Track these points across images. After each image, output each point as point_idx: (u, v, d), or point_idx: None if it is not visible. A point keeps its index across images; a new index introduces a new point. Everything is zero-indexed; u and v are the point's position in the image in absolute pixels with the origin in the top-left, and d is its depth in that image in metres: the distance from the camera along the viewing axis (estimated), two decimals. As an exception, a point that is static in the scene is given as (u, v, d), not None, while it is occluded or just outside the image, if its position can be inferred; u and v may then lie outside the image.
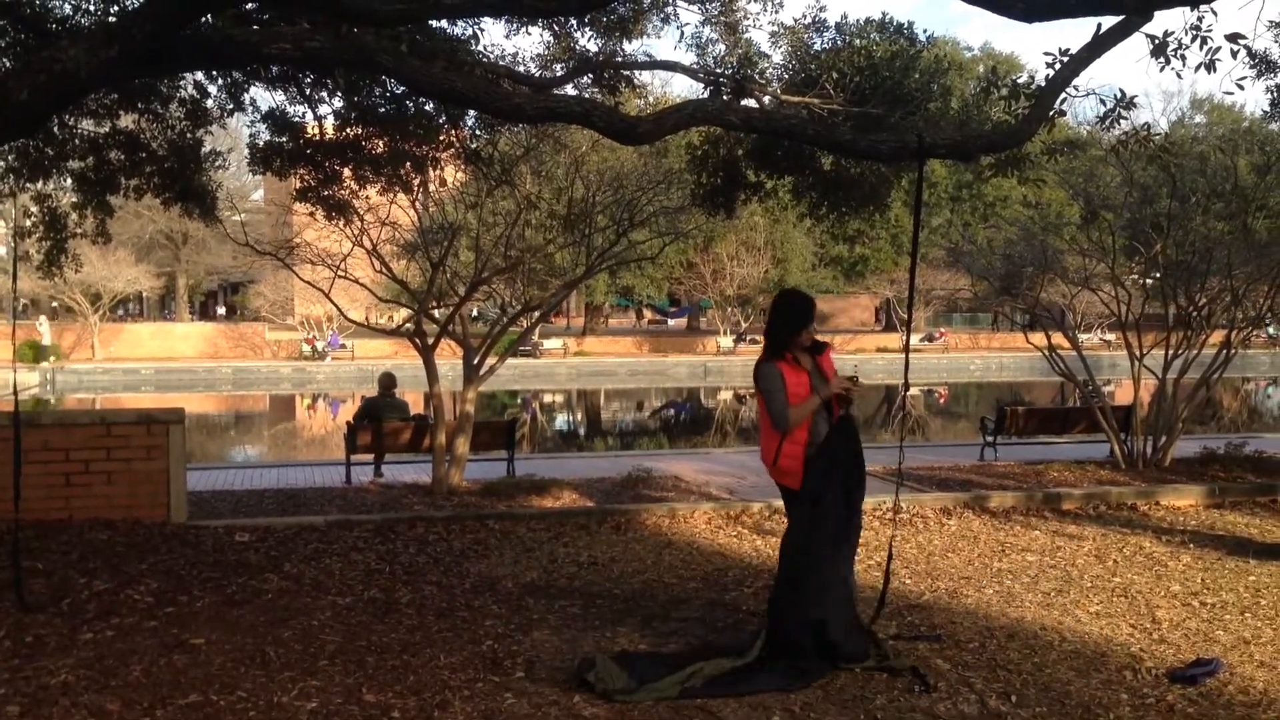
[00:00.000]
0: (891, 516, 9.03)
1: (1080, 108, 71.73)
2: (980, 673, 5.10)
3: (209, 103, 10.77)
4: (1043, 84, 7.51)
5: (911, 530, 8.71)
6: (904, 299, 53.00)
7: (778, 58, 10.71)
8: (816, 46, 10.31)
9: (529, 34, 11.11)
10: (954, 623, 5.96)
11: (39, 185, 10.85)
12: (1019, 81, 7.80)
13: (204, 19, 6.32)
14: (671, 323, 65.02)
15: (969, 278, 18.12)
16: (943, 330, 56.66)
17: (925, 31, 10.15)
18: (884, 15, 10.18)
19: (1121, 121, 8.19)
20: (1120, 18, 6.67)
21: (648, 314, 70.18)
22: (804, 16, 10.33)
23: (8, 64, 9.26)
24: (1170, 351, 12.46)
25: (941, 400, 37.70)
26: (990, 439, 13.66)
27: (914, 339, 51.81)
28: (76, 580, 6.10)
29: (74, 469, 7.71)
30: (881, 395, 38.45)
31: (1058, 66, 7.14)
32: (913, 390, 39.41)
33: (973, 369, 48.53)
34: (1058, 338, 13.28)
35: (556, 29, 10.69)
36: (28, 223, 10.94)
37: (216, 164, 11.44)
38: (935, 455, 13.79)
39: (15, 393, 6.24)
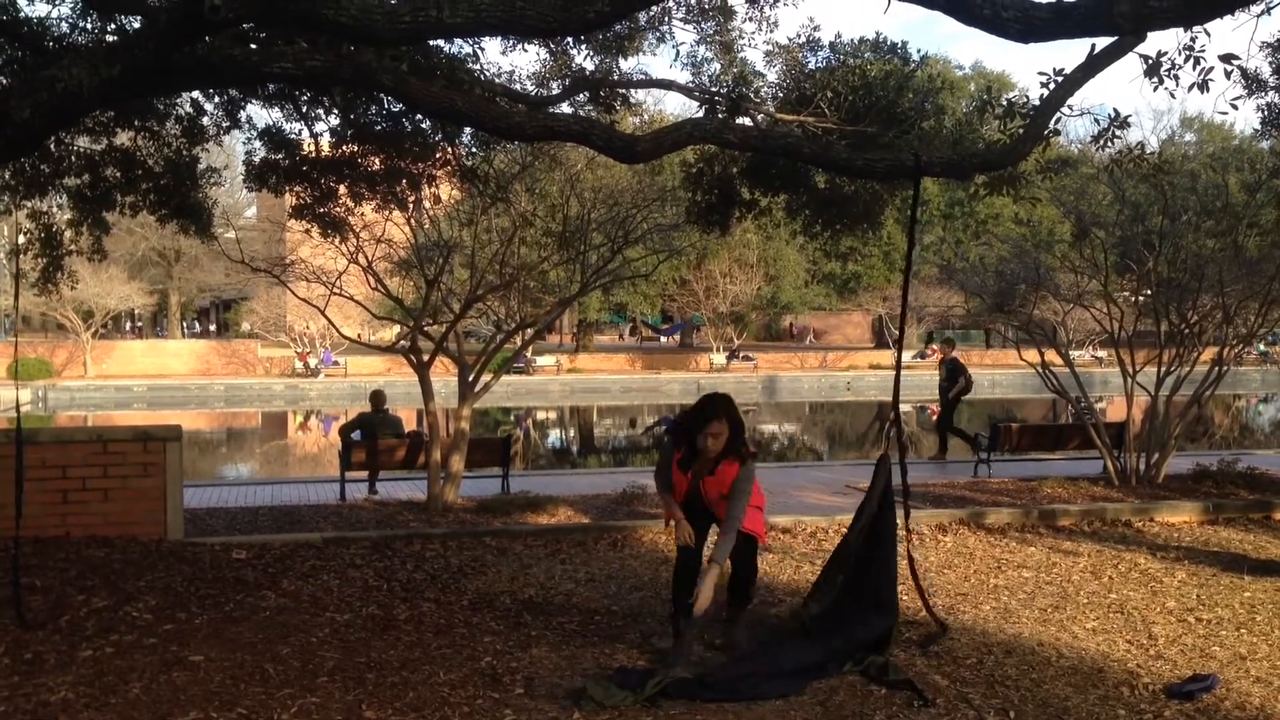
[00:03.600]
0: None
1: (1072, 126, 72.10)
2: (978, 689, 5.12)
3: (205, 120, 10.80)
4: (1037, 103, 7.57)
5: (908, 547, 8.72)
6: (895, 316, 53.18)
7: (772, 76, 10.78)
8: (811, 65, 10.38)
9: (525, 51, 11.20)
10: (951, 639, 5.98)
11: (35, 202, 10.86)
12: (1014, 101, 7.85)
13: (204, 38, 6.34)
14: (664, 339, 65.00)
15: (961, 295, 18.18)
16: (934, 347, 56.72)
17: (918, 51, 10.24)
18: (877, 35, 10.27)
19: (1115, 140, 8.25)
20: (1114, 38, 6.73)
21: (644, 330, 70.23)
22: (799, 36, 10.41)
23: (5, 82, 9.28)
24: (1163, 368, 12.51)
25: (933, 417, 37.71)
26: (984, 456, 13.69)
27: (906, 356, 51.97)
28: (75, 597, 6.09)
29: (71, 486, 7.71)
30: (874, 412, 38.49)
31: (1052, 86, 7.20)
32: (904, 407, 39.50)
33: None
34: (1050, 354, 13.33)
35: (553, 47, 10.76)
36: (22, 239, 10.94)
37: (212, 181, 11.47)
38: (929, 472, 13.82)
39: (18, 409, 6.24)
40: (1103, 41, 6.84)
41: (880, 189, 10.25)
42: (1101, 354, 45.39)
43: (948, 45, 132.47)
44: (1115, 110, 8.02)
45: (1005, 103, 8.07)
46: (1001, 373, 48.58)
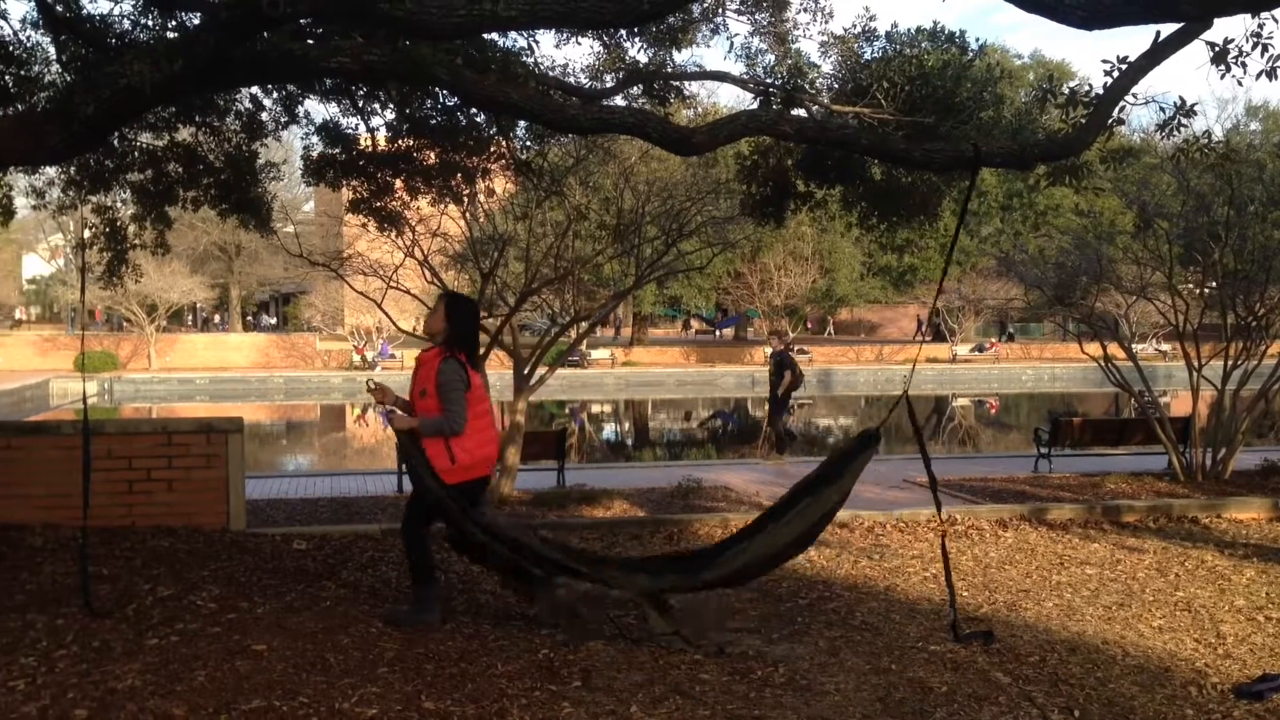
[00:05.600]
0: (941, 527, 8.99)
1: (1136, 115, 70.78)
2: (1042, 687, 5.04)
3: (264, 115, 10.93)
4: (1100, 92, 7.44)
5: (967, 542, 8.63)
6: (953, 309, 52.68)
7: (827, 67, 10.68)
8: (867, 56, 10.27)
9: (579, 44, 11.16)
10: (1013, 636, 5.90)
11: (100, 197, 11.05)
12: (1076, 90, 7.71)
13: (263, 33, 6.41)
14: (718, 333, 64.88)
15: (1020, 287, 17.92)
16: (993, 340, 56.15)
17: (977, 40, 10.06)
18: (935, 24, 10.10)
19: (1180, 129, 8.08)
20: (1180, 25, 6.59)
21: (695, 324, 70.12)
22: (854, 26, 10.30)
23: (70, 79, 9.45)
24: (1229, 362, 12.26)
25: (993, 411, 37.30)
26: (1044, 451, 13.51)
27: (963, 350, 51.45)
28: (141, 586, 6.19)
29: (137, 476, 7.84)
30: (931, 406, 38.13)
31: (1115, 75, 7.07)
32: (963, 401, 39.10)
33: (1024, 379, 47.99)
34: (1113, 348, 13.11)
35: (607, 39, 10.74)
36: (88, 234, 11.15)
37: (271, 175, 11.60)
38: (988, 467, 13.67)
39: (84, 401, 6.35)
40: (1168, 28, 6.70)
41: (938, 180, 10.13)
42: (1166, 347, 44.60)
43: (1006, 34, 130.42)
44: (1180, 98, 7.86)
45: (1067, 91, 7.94)
46: (1062, 366, 47.93)
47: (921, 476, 12.56)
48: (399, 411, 5.76)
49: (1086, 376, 40.31)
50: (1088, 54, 66.44)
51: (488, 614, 6.10)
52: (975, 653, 5.55)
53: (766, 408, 16.96)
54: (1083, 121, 7.35)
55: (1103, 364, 13.00)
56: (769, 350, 17.03)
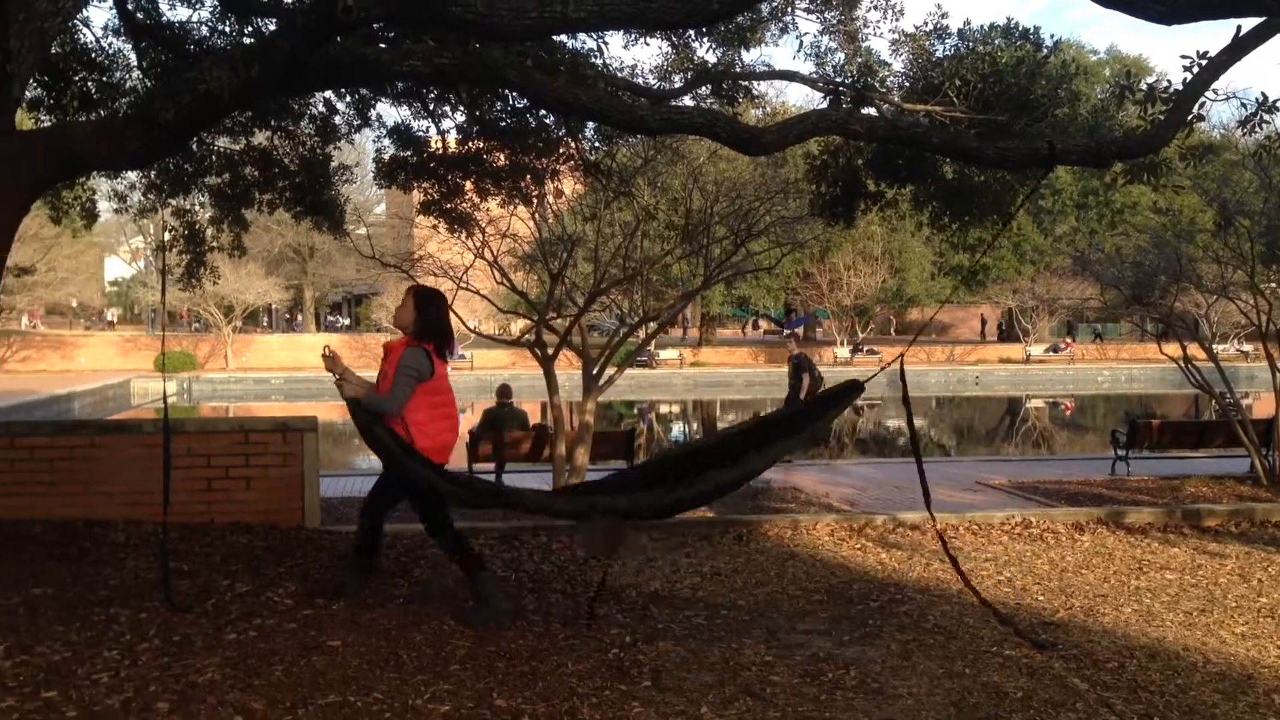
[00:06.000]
0: (1018, 531, 8.87)
1: (1216, 111, 69.19)
2: (1120, 693, 4.95)
3: (337, 119, 11.11)
4: (1179, 88, 7.28)
5: (1043, 546, 8.50)
6: (1026, 309, 51.85)
7: (898, 66, 10.60)
8: (939, 53, 10.17)
9: (647, 45, 11.19)
10: (1091, 641, 5.79)
11: (179, 200, 11.31)
12: (1155, 86, 7.56)
13: (336, 38, 6.51)
14: (787, 333, 64.51)
15: (1096, 287, 17.59)
16: (1068, 341, 55.20)
17: (1051, 36, 9.90)
18: (1009, 20, 9.96)
19: (1263, 125, 7.88)
20: (1262, 19, 6.43)
21: (764, 324, 69.81)
22: (925, 24, 10.21)
23: (150, 85, 9.68)
24: (1315, 363, 11.94)
25: (1068, 413, 36.65)
26: (1122, 453, 13.25)
27: (1038, 350, 50.63)
28: (220, 582, 6.31)
29: (215, 474, 7.99)
30: (1004, 407, 37.59)
31: (1195, 70, 6.92)
32: (1037, 402, 38.49)
33: (1100, 380, 47.10)
34: (1193, 349, 12.83)
35: (675, 40, 10.75)
36: (167, 236, 11.42)
37: (344, 178, 11.79)
38: (1064, 469, 13.46)
39: (165, 400, 6.49)
40: (1249, 22, 6.54)
41: (1012, 179, 10.00)
42: (1248, 348, 43.54)
43: (1081, 30, 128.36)
44: (1263, 94, 7.66)
45: (1145, 88, 7.79)
46: (1140, 367, 46.95)
47: (996, 479, 12.45)
48: (350, 382, 5.85)
49: (1165, 378, 39.44)
50: (1166, 49, 65.01)
51: (558, 613, 6.13)
52: (1052, 658, 5.46)
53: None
54: (1161, 118, 7.21)
55: (1182, 365, 12.73)
56: (790, 353, 16.83)
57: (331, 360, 5.92)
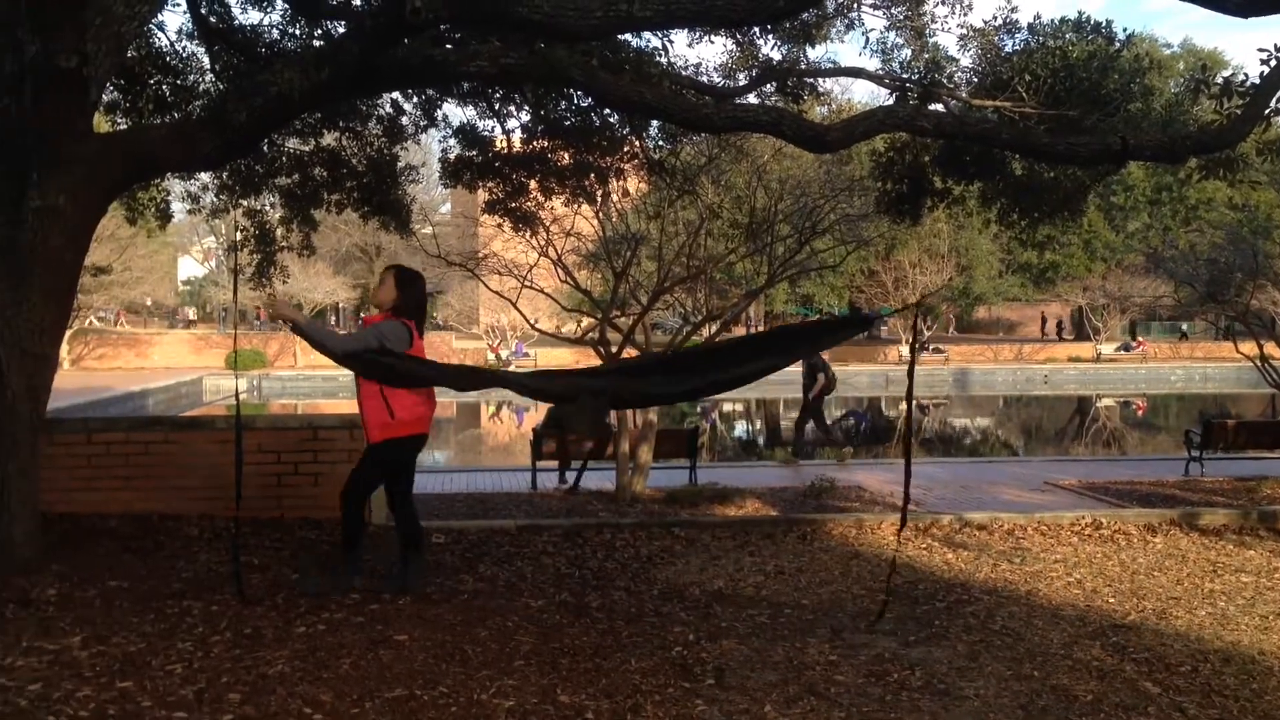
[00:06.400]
0: (1088, 532, 8.74)
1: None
2: (1193, 698, 4.85)
3: (404, 119, 11.23)
4: (1256, 82, 7.13)
5: (1114, 547, 8.35)
6: (1097, 307, 50.95)
7: (966, 61, 10.47)
8: (1008, 48, 10.03)
9: (712, 43, 11.18)
10: (1163, 645, 5.68)
11: (250, 201, 11.50)
12: (1231, 79, 7.39)
13: (404, 40, 6.58)
14: (851, 331, 63.99)
15: (1170, 284, 17.26)
16: (1140, 339, 54.15)
17: (1123, 29, 9.72)
18: (1080, 14, 9.79)
19: (1344, 117, 7.69)
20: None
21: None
22: (994, 18, 10.07)
23: (222, 88, 9.85)
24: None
25: (1139, 412, 35.97)
26: (1196, 453, 12.98)
27: (1108, 348, 49.72)
28: (289, 576, 6.42)
29: (285, 470, 8.12)
30: (1074, 406, 36.99)
31: (1273, 64, 6.77)
32: (1107, 401, 37.82)
33: (1173, 380, 46.14)
34: (1269, 347, 12.53)
35: (740, 37, 10.71)
36: (239, 236, 11.62)
37: (410, 178, 11.90)
38: (1135, 470, 13.20)
39: (237, 397, 6.63)
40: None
41: (1083, 175, 9.83)
42: (1327, 346, 42.36)
43: (1154, 23, 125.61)
44: (1345, 85, 7.47)
45: (1221, 82, 7.63)
46: (1215, 366, 45.91)
47: (1065, 479, 12.25)
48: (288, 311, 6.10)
49: (1240, 377, 38.52)
50: (1242, 43, 63.56)
51: (621, 611, 6.15)
52: (1123, 661, 5.37)
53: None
54: (1237, 112, 7.07)
55: (1258, 364, 12.44)
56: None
57: (271, 302, 6.22)
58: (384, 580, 6.29)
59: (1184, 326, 57.86)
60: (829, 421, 17.36)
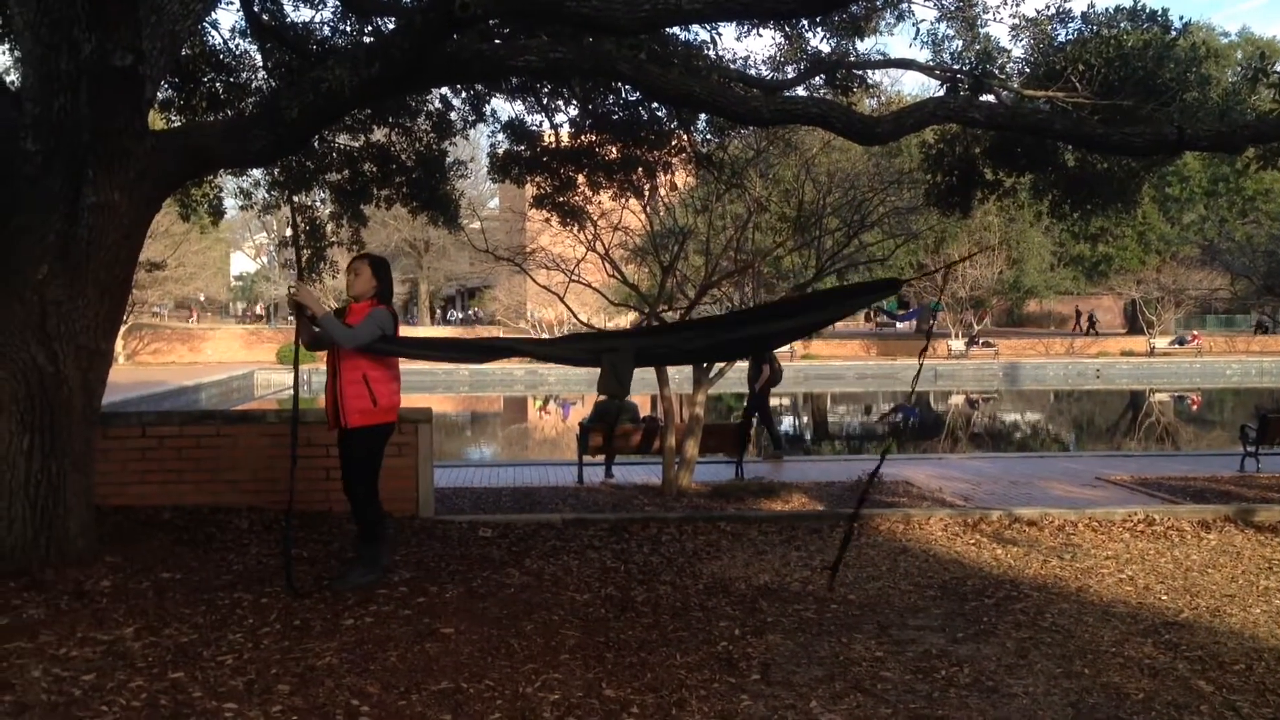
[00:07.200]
0: (1141, 529, 8.61)
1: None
2: (1247, 696, 4.76)
3: (453, 115, 11.29)
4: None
5: (1167, 544, 8.23)
6: (1150, 300, 50.21)
7: (1018, 51, 10.36)
8: (1061, 38, 9.90)
9: (760, 36, 11.14)
10: (1217, 643, 5.59)
11: (301, 197, 11.63)
12: (1290, 66, 7.25)
13: (453, 36, 6.61)
14: (900, 325, 63.50)
15: (1226, 276, 16.97)
16: (1195, 333, 53.28)
17: (1180, 18, 9.56)
18: (1135, 3, 9.64)
19: None
20: None
21: (874, 318, 68.83)
22: (1047, 7, 9.95)
23: (274, 84, 9.96)
24: None
25: (1194, 407, 35.40)
26: (1251, 449, 12.75)
27: (1163, 342, 48.98)
28: (337, 568, 6.49)
29: (333, 464, 8.11)
30: (1127, 401, 36.46)
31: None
32: (1161, 396, 37.25)
33: (1229, 374, 45.35)
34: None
35: (788, 30, 10.67)
36: (288, 232, 11.75)
37: (459, 173, 11.98)
38: (1189, 465, 13.00)
39: (295, 392, 6.69)
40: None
41: (1137, 166, 9.69)
42: (1388, 340, 41.43)
43: (1211, 11, 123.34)
44: None
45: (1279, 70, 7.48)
46: (1271, 360, 45.05)
47: (1117, 474, 12.08)
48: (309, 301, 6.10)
49: (1299, 372, 37.83)
50: (1302, 29, 62.16)
51: (666, 605, 6.14)
52: (1175, 659, 5.28)
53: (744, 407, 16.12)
54: (1298, 101, 6.91)
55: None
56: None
57: (297, 290, 6.14)
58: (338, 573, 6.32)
59: (1266, 320, 55.61)
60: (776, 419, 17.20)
